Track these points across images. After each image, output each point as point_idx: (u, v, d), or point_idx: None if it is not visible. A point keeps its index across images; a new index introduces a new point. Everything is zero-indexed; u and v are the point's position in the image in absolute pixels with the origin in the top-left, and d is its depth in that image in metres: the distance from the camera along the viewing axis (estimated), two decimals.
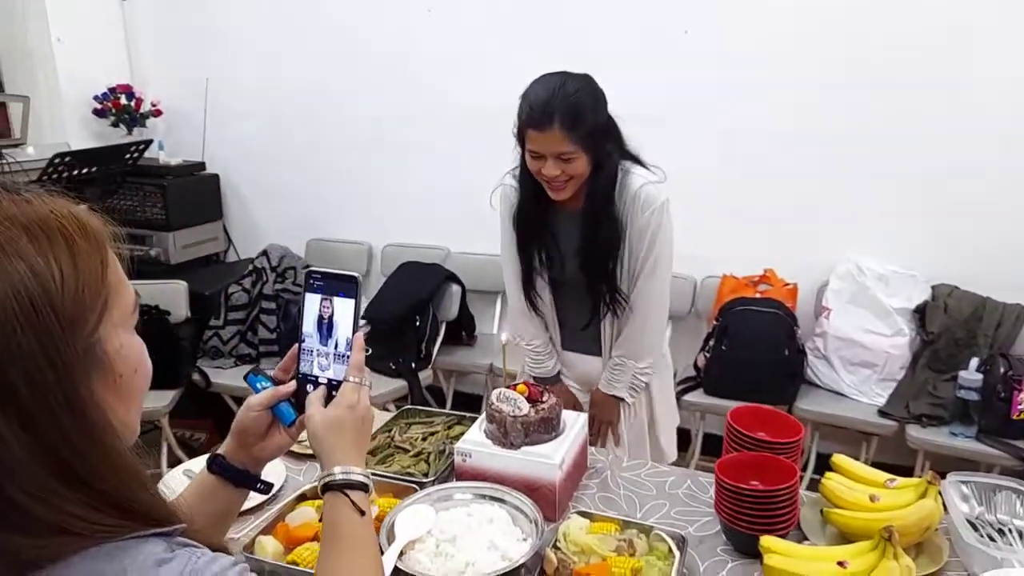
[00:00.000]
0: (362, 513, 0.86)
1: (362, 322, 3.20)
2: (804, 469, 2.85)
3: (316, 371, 0.94)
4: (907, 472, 2.54)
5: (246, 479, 0.95)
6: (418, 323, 3.02)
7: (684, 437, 3.02)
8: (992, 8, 2.54)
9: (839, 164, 2.83)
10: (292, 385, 0.95)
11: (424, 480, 1.44)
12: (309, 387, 0.94)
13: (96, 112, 3.71)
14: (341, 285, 0.93)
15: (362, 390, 0.92)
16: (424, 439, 1.62)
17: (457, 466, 1.45)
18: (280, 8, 3.59)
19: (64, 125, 3.64)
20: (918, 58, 2.65)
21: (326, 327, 0.93)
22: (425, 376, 3.05)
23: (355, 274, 0.93)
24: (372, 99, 3.52)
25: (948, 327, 2.63)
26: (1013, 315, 2.61)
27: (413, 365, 2.97)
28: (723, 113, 2.93)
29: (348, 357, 0.93)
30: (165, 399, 2.81)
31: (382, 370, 2.98)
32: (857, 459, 1.47)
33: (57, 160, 2.81)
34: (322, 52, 3.55)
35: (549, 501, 1.37)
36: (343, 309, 0.93)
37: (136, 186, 3.57)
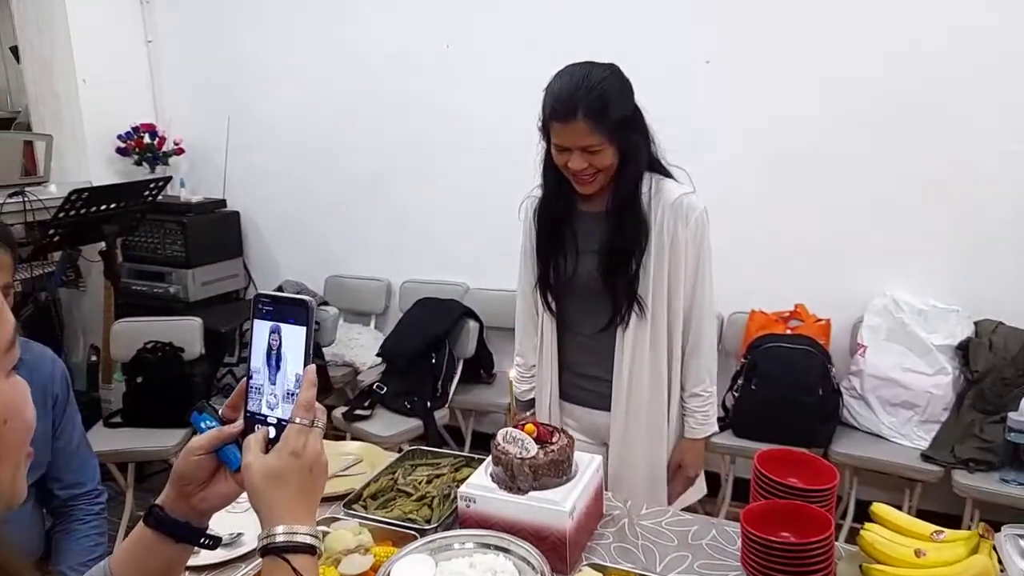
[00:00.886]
0: None
1: (377, 360, 3.16)
2: (842, 518, 2.68)
3: (265, 409, 0.82)
4: (955, 522, 2.38)
5: (187, 533, 0.82)
6: (434, 360, 2.94)
7: (713, 482, 2.89)
8: None
9: (872, 193, 2.73)
10: (240, 425, 0.82)
11: (426, 527, 1.35)
12: (258, 427, 0.82)
13: (119, 151, 3.76)
14: (292, 311, 0.82)
15: (311, 433, 0.78)
16: (429, 482, 1.52)
17: (461, 512, 1.35)
18: (301, 48, 3.63)
19: (88, 163, 3.69)
20: (958, 82, 2.56)
21: (275, 359, 0.82)
22: (442, 415, 2.96)
23: (306, 298, 0.82)
24: (391, 135, 3.52)
25: (994, 365, 2.48)
26: None
27: (429, 404, 2.89)
28: (751, 144, 2.86)
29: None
30: (176, 438, 2.75)
31: (397, 409, 2.90)
32: (899, 507, 1.34)
33: (74, 196, 2.82)
34: (341, 90, 3.57)
35: (559, 552, 1.27)
36: (294, 338, 0.82)
37: (157, 223, 3.58)
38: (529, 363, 1.85)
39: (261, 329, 0.83)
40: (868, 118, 2.69)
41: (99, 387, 3.41)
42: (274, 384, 0.82)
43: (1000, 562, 1.20)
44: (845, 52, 2.69)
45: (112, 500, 3.14)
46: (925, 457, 2.48)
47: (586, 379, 1.78)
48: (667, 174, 1.69)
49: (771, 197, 2.86)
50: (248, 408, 0.83)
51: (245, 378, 0.83)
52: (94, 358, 3.57)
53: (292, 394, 0.81)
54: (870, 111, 2.69)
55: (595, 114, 1.50)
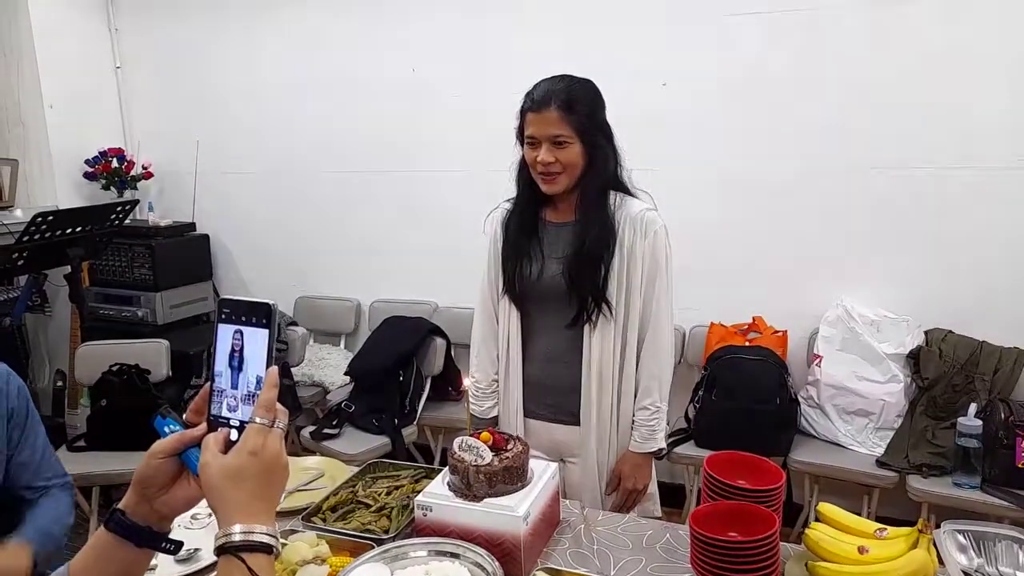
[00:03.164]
0: None
1: (346, 379, 3.16)
2: (804, 525, 2.72)
3: (226, 412, 0.82)
4: (910, 527, 2.42)
5: (149, 537, 0.82)
6: (402, 378, 2.96)
7: (679, 493, 2.93)
8: (984, 50, 2.56)
9: (823, 210, 2.82)
10: (203, 428, 0.83)
11: (384, 537, 1.37)
12: (221, 430, 0.83)
13: (87, 175, 3.75)
14: (254, 314, 0.83)
15: (271, 433, 0.78)
16: (388, 493, 1.54)
17: (418, 520, 1.37)
18: (269, 73, 3.67)
19: (55, 188, 3.68)
20: (905, 103, 2.66)
21: (237, 362, 0.83)
22: (410, 432, 2.97)
23: (269, 301, 0.83)
24: (359, 158, 3.56)
25: (944, 372, 2.55)
26: (1011, 359, 2.54)
27: (397, 421, 2.89)
28: (708, 163, 2.94)
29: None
30: (140, 461, 2.72)
31: (365, 427, 2.90)
32: (859, 514, 1.37)
33: (39, 219, 2.81)
34: (310, 115, 3.61)
35: (513, 557, 1.29)
36: (256, 341, 0.83)
37: (125, 247, 3.57)
38: (490, 377, 1.87)
39: (224, 333, 0.83)
40: (818, 141, 2.78)
41: (65, 413, 3.38)
42: (236, 387, 0.82)
43: (940, 558, 1.25)
44: (795, 77, 2.78)
45: (77, 526, 3.10)
46: (880, 463, 2.54)
47: (548, 392, 1.80)
48: (632, 195, 1.76)
49: (729, 215, 2.93)
50: (211, 412, 0.83)
51: (208, 382, 0.84)
52: (60, 383, 3.53)
53: (254, 396, 0.81)
54: (820, 134, 2.78)
55: (566, 105, 1.63)
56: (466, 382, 1.68)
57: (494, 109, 3.20)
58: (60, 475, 1.65)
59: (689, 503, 2.86)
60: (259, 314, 0.83)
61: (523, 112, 1.69)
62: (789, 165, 2.83)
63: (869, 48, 2.68)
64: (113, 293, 3.64)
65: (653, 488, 1.87)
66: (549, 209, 1.77)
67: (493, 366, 1.86)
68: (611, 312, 1.70)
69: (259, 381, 0.82)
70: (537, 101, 1.65)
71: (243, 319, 0.83)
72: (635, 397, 1.78)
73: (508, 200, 1.83)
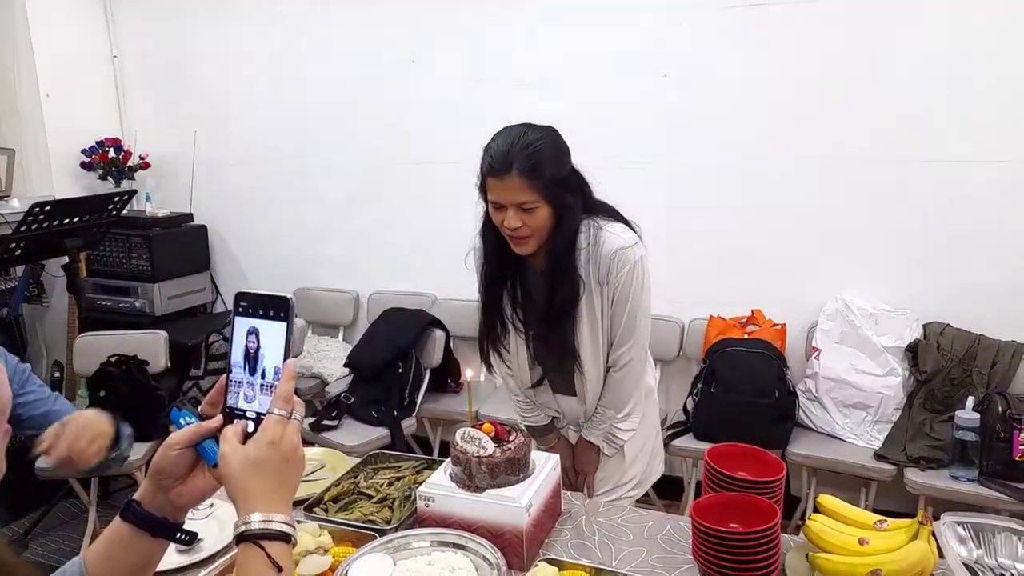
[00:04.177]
0: (280, 569, 0.74)
1: (345, 371, 3.16)
2: (802, 517, 2.74)
3: (243, 404, 0.83)
4: (908, 519, 2.43)
5: (164, 528, 0.83)
6: (401, 370, 2.96)
7: (677, 486, 2.94)
8: (983, 45, 2.55)
9: (825, 202, 2.81)
10: (218, 420, 0.83)
11: (386, 527, 1.37)
12: (237, 422, 0.84)
13: (84, 165, 3.73)
14: (272, 307, 0.84)
15: (289, 424, 0.80)
16: (390, 484, 1.55)
17: (420, 511, 1.37)
18: (267, 62, 3.64)
19: (51, 178, 3.66)
20: (906, 96, 2.65)
21: (254, 354, 0.84)
22: (409, 424, 2.97)
23: (287, 295, 0.84)
24: (358, 149, 3.54)
25: (942, 366, 2.56)
26: (1009, 352, 2.55)
27: (396, 413, 2.89)
28: (707, 156, 2.93)
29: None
30: (140, 451, 2.72)
31: (364, 419, 2.90)
32: (857, 506, 1.38)
33: (37, 210, 2.80)
34: (309, 105, 3.59)
35: (516, 548, 1.30)
36: (273, 333, 0.84)
37: (122, 238, 3.56)
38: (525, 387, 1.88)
39: (241, 325, 0.84)
40: (817, 134, 2.78)
41: None
42: (253, 379, 0.83)
43: (940, 550, 1.25)
44: (793, 70, 2.77)
45: (75, 517, 3.11)
46: (878, 456, 2.54)
47: (557, 372, 1.84)
48: (610, 212, 1.71)
49: (728, 208, 2.93)
50: (227, 403, 0.84)
51: (225, 374, 0.85)
52: (57, 374, 3.52)
53: (271, 388, 0.82)
54: (819, 127, 2.77)
55: (529, 170, 1.54)
56: (467, 373, 1.68)
57: (494, 98, 3.22)
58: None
59: (687, 495, 2.87)
60: (277, 308, 0.84)
61: (483, 174, 1.60)
62: (788, 158, 2.83)
63: (868, 41, 2.67)
64: (110, 284, 3.64)
65: (636, 481, 1.91)
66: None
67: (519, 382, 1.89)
68: (580, 367, 1.74)
69: (276, 373, 0.82)
70: (497, 167, 1.55)
71: (260, 312, 0.84)
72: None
73: (479, 234, 1.78)
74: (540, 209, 1.58)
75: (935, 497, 2.43)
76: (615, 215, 1.72)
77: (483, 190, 1.63)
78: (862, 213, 2.77)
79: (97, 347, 2.88)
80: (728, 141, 2.89)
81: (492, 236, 1.70)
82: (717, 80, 2.88)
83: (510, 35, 3.16)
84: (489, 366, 1.85)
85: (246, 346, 0.84)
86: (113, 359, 2.83)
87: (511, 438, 1.39)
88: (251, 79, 3.69)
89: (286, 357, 0.83)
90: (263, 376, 0.83)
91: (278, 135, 3.70)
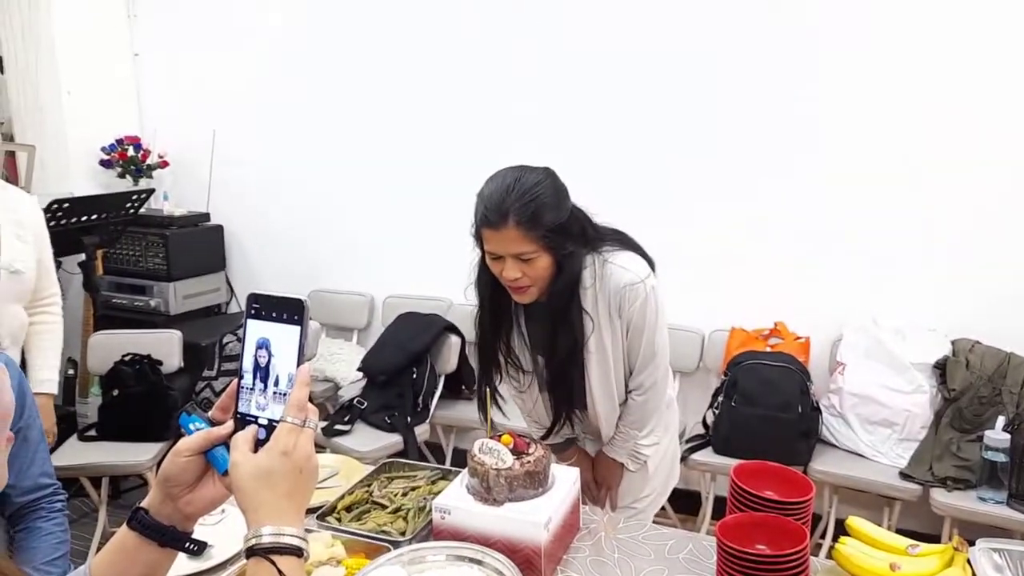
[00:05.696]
0: None
1: (358, 375, 3.13)
2: (822, 536, 2.68)
3: (255, 410, 0.80)
4: (933, 541, 2.33)
5: (173, 537, 0.80)
6: (415, 375, 2.92)
7: (694, 500, 2.88)
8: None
9: (852, 214, 2.76)
10: (229, 426, 0.80)
11: (400, 539, 1.33)
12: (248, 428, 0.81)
13: (103, 163, 3.74)
14: (286, 310, 0.80)
15: (302, 433, 0.76)
16: (405, 494, 1.51)
17: (435, 524, 1.33)
18: (286, 62, 3.64)
19: (71, 175, 3.66)
20: (933, 103, 2.60)
21: (267, 359, 0.80)
22: (422, 431, 2.93)
23: (302, 298, 0.81)
24: (376, 150, 3.52)
25: (971, 384, 2.49)
26: None
27: (409, 419, 2.86)
28: (729, 164, 2.88)
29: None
30: (151, 452, 2.70)
31: (377, 424, 2.87)
32: (879, 525, 1.33)
33: (55, 207, 2.79)
34: (326, 104, 3.58)
35: (533, 564, 1.25)
36: (287, 338, 0.80)
37: (139, 236, 3.56)
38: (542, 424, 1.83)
39: (254, 329, 0.81)
40: (846, 144, 2.73)
41: (75, 401, 3.36)
42: (265, 384, 0.80)
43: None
44: (816, 77, 2.73)
45: (85, 516, 3.10)
46: (903, 475, 2.48)
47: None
48: (619, 240, 1.65)
49: (752, 219, 2.88)
50: (238, 409, 0.81)
51: (236, 379, 0.81)
52: (71, 372, 3.51)
53: (283, 395, 0.79)
54: (849, 137, 2.72)
55: (527, 220, 1.45)
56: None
57: (516, 99, 3.19)
58: (51, 478, 1.59)
59: (705, 510, 2.82)
60: (291, 311, 0.80)
61: (478, 224, 1.52)
62: (815, 169, 2.78)
63: (898, 54, 2.62)
64: (126, 282, 3.63)
65: (655, 496, 1.87)
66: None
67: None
68: (592, 405, 1.70)
69: (290, 379, 0.79)
70: (492, 219, 1.46)
71: (274, 315, 0.80)
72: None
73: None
74: (540, 259, 1.50)
75: (962, 519, 2.37)
76: (624, 241, 1.64)
77: (478, 238, 1.55)
78: (890, 225, 2.71)
79: (111, 345, 2.87)
80: (755, 153, 2.85)
81: (488, 284, 1.62)
82: (744, 92, 2.83)
83: (532, 32, 3.12)
84: (490, 399, 1.74)
85: (257, 350, 0.81)
86: (127, 358, 2.82)
87: (530, 450, 1.35)
88: (270, 79, 3.69)
89: (300, 362, 0.79)
90: (276, 383, 0.80)
91: (296, 136, 3.69)
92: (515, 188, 1.47)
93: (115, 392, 2.79)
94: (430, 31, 3.32)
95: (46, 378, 2.05)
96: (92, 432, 2.81)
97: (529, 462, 1.32)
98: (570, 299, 1.57)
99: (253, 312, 0.81)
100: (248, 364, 0.81)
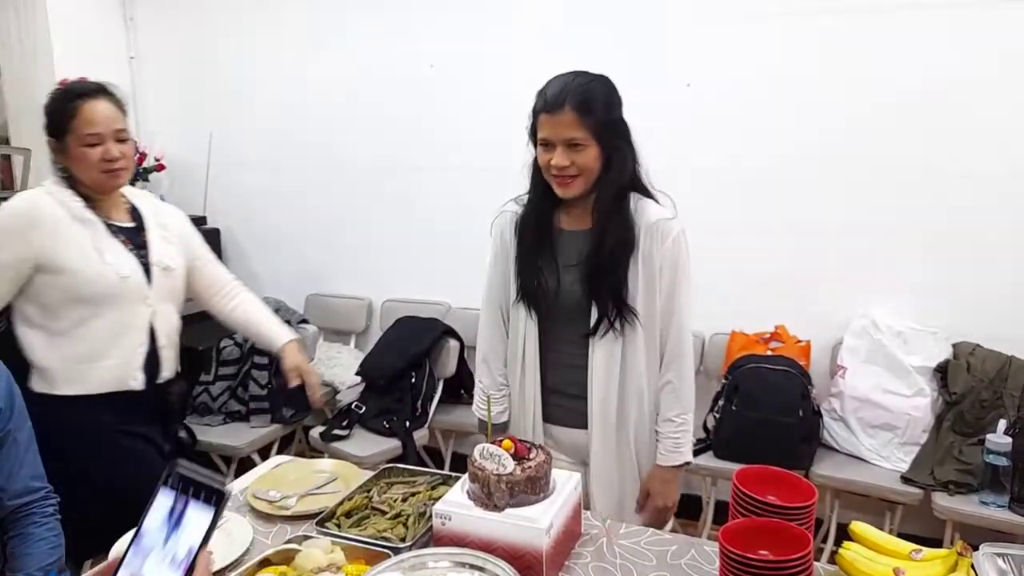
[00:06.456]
0: None
1: (357, 379, 3.12)
2: (824, 540, 2.67)
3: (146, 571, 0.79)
4: (935, 545, 2.32)
5: None
6: (414, 379, 2.91)
7: (695, 505, 2.87)
8: (1015, 58, 2.51)
9: (852, 216, 2.76)
10: None
11: (400, 545, 1.32)
12: None
13: None
14: (206, 490, 0.79)
15: None
16: (404, 500, 1.50)
17: (436, 530, 1.32)
18: (283, 65, 3.63)
19: None
20: (934, 106, 2.61)
21: (169, 532, 0.79)
22: (421, 436, 2.92)
23: (225, 488, 0.79)
24: (374, 154, 3.52)
25: (972, 387, 2.49)
26: None
27: (408, 424, 2.85)
28: (732, 168, 2.88)
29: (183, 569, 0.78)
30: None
31: (376, 429, 2.86)
32: (881, 530, 1.33)
33: None
34: (323, 108, 3.57)
35: (535, 570, 1.24)
36: (197, 518, 0.78)
37: None
38: (498, 383, 1.82)
39: (166, 497, 0.80)
40: (844, 148, 2.73)
41: None
42: (164, 551, 0.79)
43: None
44: (821, 81, 2.73)
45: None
46: (905, 479, 2.47)
47: (566, 397, 1.74)
48: (651, 197, 1.68)
49: (752, 221, 2.88)
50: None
51: (131, 541, 0.80)
52: None
53: (180, 567, 0.77)
54: (846, 140, 2.73)
55: (581, 107, 1.53)
56: (476, 396, 1.62)
57: (511, 105, 3.17)
58: (42, 481, 1.58)
59: (706, 515, 2.80)
60: (210, 493, 0.78)
61: (535, 113, 1.60)
62: (814, 172, 2.78)
63: (893, 54, 2.63)
64: None
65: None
66: (562, 215, 1.69)
67: (501, 371, 1.81)
68: (636, 318, 1.64)
69: (189, 552, 0.77)
70: (550, 102, 1.55)
71: (192, 491, 0.79)
72: (656, 408, 1.72)
73: (514, 200, 1.75)
74: (589, 148, 1.56)
75: (964, 523, 2.36)
76: (650, 194, 1.69)
77: (533, 132, 1.62)
78: (890, 228, 2.72)
79: None
80: (753, 153, 2.85)
81: (539, 189, 1.67)
82: (740, 92, 2.84)
83: (526, 43, 3.12)
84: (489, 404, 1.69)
85: (166, 516, 0.79)
86: None
87: (531, 456, 1.34)
88: (267, 83, 3.68)
89: (204, 545, 0.78)
90: (174, 557, 0.78)
91: (293, 139, 3.68)
92: (575, 80, 1.57)
93: None
94: (429, 36, 3.32)
95: (283, 332, 2.11)
96: None
97: (530, 467, 1.31)
98: (619, 202, 1.61)
99: (170, 482, 0.80)
100: (149, 525, 0.80)
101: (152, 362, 1.89)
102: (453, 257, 3.35)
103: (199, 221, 3.78)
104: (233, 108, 3.77)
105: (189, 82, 3.86)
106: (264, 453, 2.94)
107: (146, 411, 1.92)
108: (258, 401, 2.95)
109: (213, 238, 3.83)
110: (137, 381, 1.86)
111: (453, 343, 3.05)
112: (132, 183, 3.72)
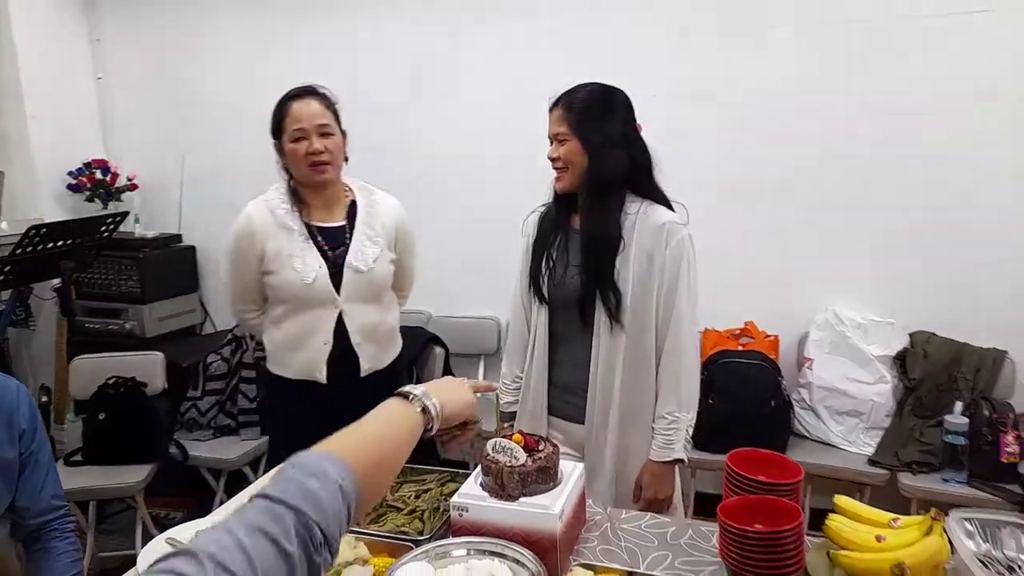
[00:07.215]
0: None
1: None
2: None
3: None
4: None
5: None
6: None
7: (712, 501, 2.97)
8: (967, 58, 2.68)
9: (814, 218, 2.91)
10: None
11: (420, 538, 1.39)
12: None
13: (71, 187, 3.70)
14: None
15: None
16: (417, 497, 1.57)
17: (454, 521, 1.40)
18: (255, 81, 3.64)
19: (39, 200, 3.62)
20: (890, 110, 2.76)
21: None
22: None
23: None
24: (349, 169, 3.53)
25: (929, 373, 2.65)
26: (990, 359, 2.65)
27: None
28: (701, 172, 3.00)
29: None
30: (140, 474, 2.69)
31: None
32: None
33: (33, 232, 2.77)
34: None
35: (549, 554, 1.32)
36: None
37: (111, 259, 3.53)
38: (514, 374, 1.93)
39: None
40: (807, 152, 2.88)
41: (51, 427, 3.31)
42: None
43: (951, 543, 1.31)
44: (781, 84, 2.88)
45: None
46: (872, 462, 2.62)
47: (570, 393, 1.84)
48: (666, 204, 1.80)
49: (720, 223, 2.99)
50: None
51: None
52: (44, 398, 3.46)
53: None
54: (809, 144, 2.87)
55: (567, 106, 1.72)
56: (495, 384, 1.71)
57: (496, 126, 3.25)
58: (61, 500, 1.64)
59: (687, 504, 2.91)
60: None
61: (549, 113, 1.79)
62: (779, 176, 2.92)
63: (862, 59, 2.78)
64: (99, 306, 3.60)
65: (677, 499, 1.89)
66: (576, 216, 1.80)
67: (520, 364, 1.92)
68: (617, 311, 1.72)
69: None
70: (551, 102, 1.76)
71: None
72: (653, 405, 1.81)
73: (545, 204, 1.89)
74: (570, 142, 1.71)
75: (927, 500, 2.50)
76: (663, 202, 1.81)
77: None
78: (849, 227, 2.87)
79: (93, 369, 2.86)
80: (721, 158, 2.98)
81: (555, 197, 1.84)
82: (705, 96, 2.97)
83: (512, 55, 3.22)
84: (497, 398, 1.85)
85: None
86: (111, 381, 2.80)
87: (541, 447, 1.43)
88: (238, 99, 3.68)
89: None
90: None
91: (266, 156, 3.68)
92: (580, 87, 1.75)
93: (101, 416, 2.77)
94: (420, 41, 3.37)
95: None
96: (78, 457, 2.79)
97: (540, 458, 1.40)
98: (601, 196, 1.72)
99: None
100: None
101: (346, 358, 1.99)
102: (432, 268, 3.38)
103: (175, 239, 3.79)
104: (204, 125, 3.77)
105: (158, 100, 3.85)
106: (255, 466, 2.96)
107: (336, 404, 1.96)
108: (247, 414, 2.98)
109: (189, 256, 3.83)
110: (322, 375, 1.99)
111: (439, 351, 3.12)
112: (104, 204, 3.74)
